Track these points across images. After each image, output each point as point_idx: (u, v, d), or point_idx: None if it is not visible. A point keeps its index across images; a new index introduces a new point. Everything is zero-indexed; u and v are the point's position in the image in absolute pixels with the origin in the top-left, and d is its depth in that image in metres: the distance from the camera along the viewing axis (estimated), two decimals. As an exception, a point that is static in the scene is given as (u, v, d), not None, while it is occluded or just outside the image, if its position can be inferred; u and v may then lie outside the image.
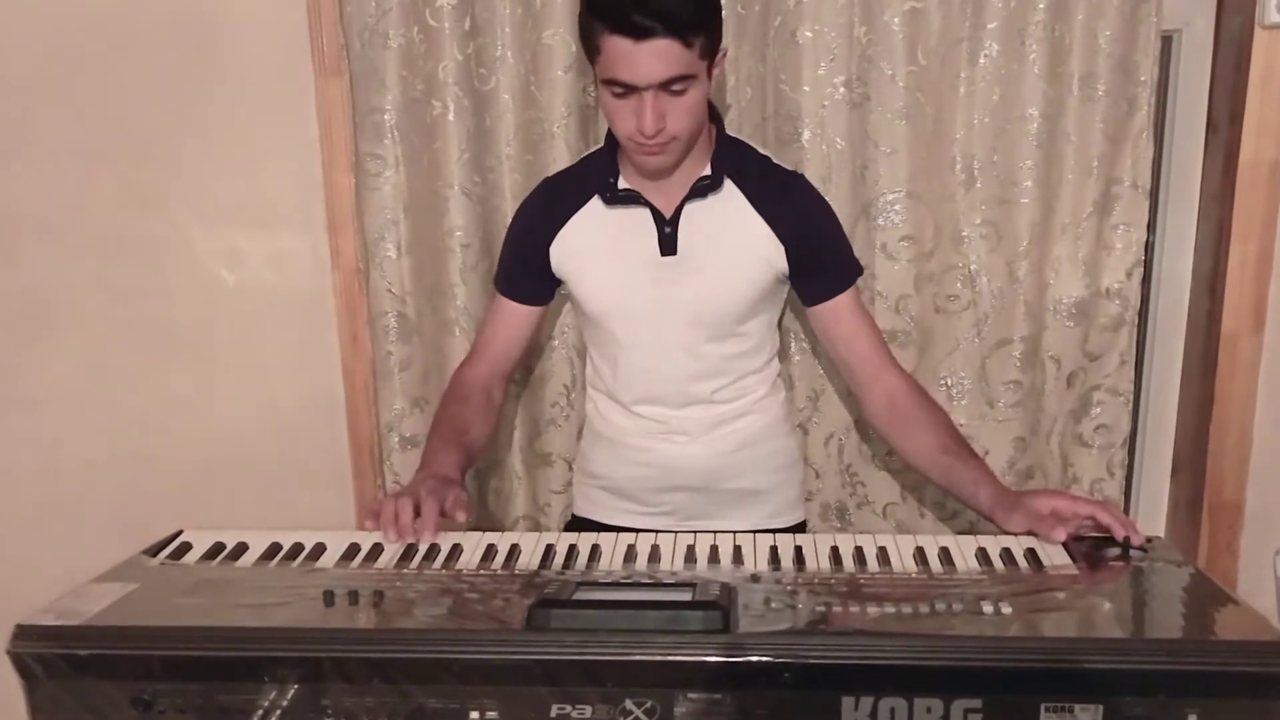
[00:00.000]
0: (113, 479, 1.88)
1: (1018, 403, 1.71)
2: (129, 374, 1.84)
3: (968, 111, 1.62)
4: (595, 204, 1.45)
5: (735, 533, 1.21)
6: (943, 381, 1.71)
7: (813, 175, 1.59)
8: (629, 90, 1.28)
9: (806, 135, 1.63)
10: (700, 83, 1.30)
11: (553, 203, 1.49)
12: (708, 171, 1.42)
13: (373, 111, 1.64)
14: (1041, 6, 1.57)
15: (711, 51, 1.30)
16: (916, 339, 1.71)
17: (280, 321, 1.80)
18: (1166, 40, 1.70)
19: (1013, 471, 1.73)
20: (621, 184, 1.44)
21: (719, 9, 1.32)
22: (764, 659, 0.92)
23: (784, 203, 1.43)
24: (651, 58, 1.24)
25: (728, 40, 1.48)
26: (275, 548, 1.19)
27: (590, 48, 1.30)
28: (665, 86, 1.27)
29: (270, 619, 1.01)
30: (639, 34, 1.23)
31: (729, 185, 1.42)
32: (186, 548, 1.20)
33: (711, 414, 1.51)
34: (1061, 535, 1.18)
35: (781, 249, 1.43)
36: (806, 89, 1.61)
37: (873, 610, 0.99)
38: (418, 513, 1.23)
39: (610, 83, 1.28)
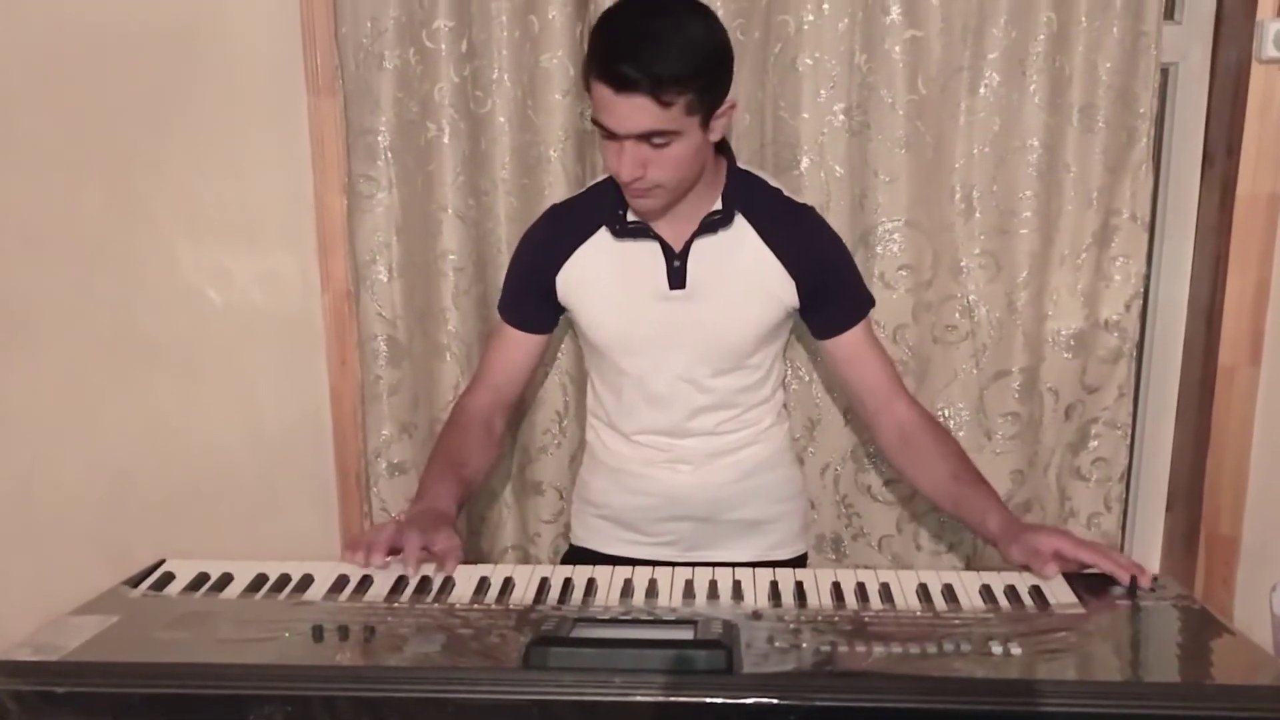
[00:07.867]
0: (92, 499, 1.84)
1: (1016, 435, 1.69)
2: (110, 390, 1.80)
3: (968, 141, 1.62)
4: (603, 235, 1.43)
5: (734, 566, 1.19)
6: (940, 412, 1.69)
7: (811, 203, 1.57)
8: (612, 135, 1.28)
9: (805, 162, 1.62)
10: (686, 138, 1.27)
11: (560, 231, 1.47)
12: (718, 206, 1.41)
13: (366, 133, 1.62)
14: (1042, 37, 1.56)
15: (705, 107, 1.27)
16: (914, 369, 1.69)
17: (267, 342, 1.77)
18: (1163, 72, 1.70)
19: (1010, 505, 1.71)
20: (630, 216, 1.42)
21: (719, 68, 1.29)
22: (770, 701, 0.90)
23: (795, 237, 1.42)
24: (629, 110, 1.24)
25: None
26: (261, 579, 1.16)
27: (586, 86, 1.30)
28: (645, 138, 1.26)
29: (256, 655, 0.98)
30: (619, 85, 1.22)
31: (740, 220, 1.41)
32: (169, 578, 1.17)
33: (715, 443, 1.49)
34: (1054, 571, 1.18)
35: (792, 284, 1.41)
36: (805, 116, 1.60)
37: (879, 650, 0.97)
38: (396, 551, 1.20)
39: (597, 124, 1.29)
